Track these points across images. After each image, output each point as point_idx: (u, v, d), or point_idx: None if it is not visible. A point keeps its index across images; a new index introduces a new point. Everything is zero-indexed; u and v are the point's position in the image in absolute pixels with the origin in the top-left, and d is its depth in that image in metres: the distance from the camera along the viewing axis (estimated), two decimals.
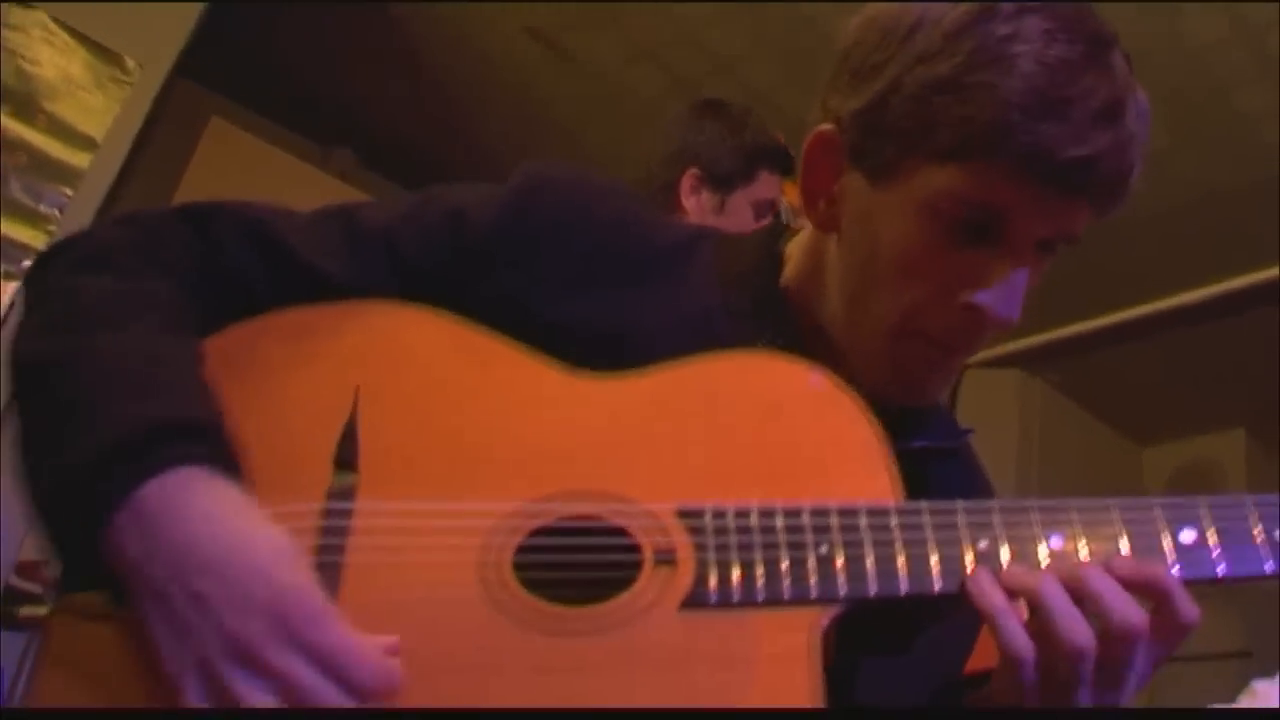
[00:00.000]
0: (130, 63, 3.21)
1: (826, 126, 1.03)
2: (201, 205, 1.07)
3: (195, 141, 4.03)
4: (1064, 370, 4.77)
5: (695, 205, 2.31)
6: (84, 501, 0.83)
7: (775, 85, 3.77)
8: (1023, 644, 0.84)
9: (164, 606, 0.80)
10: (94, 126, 3.08)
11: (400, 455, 0.93)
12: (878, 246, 0.99)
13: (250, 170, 4.02)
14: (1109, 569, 0.86)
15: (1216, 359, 4.53)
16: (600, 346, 0.99)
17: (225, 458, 0.86)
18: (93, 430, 0.84)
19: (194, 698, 0.78)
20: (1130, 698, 0.88)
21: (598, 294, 1.06)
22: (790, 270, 1.12)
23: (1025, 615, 0.87)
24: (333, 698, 0.78)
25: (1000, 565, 0.87)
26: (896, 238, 0.98)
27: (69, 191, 3.03)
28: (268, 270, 1.03)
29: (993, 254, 0.96)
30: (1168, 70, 3.37)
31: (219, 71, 4.03)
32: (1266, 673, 2.08)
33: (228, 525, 0.82)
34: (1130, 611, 0.83)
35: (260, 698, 0.77)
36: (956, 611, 0.92)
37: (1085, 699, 0.85)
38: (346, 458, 0.92)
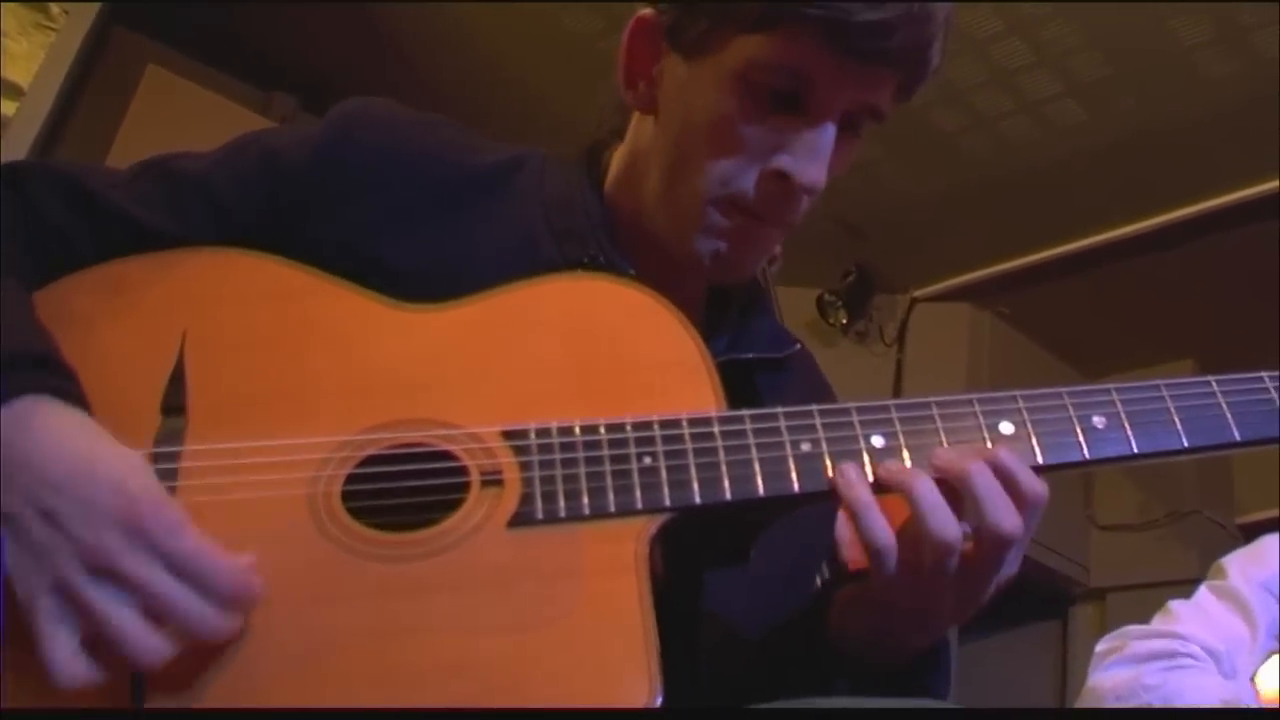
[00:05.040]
0: (55, 8, 3.17)
1: (646, 10, 1.08)
2: (15, 164, 1.06)
3: (132, 90, 3.97)
4: (1013, 303, 4.78)
5: None
6: None
7: None
8: (882, 536, 0.86)
9: (16, 531, 0.79)
10: (19, 73, 3.05)
11: (228, 396, 0.93)
12: (692, 117, 1.04)
13: (190, 118, 3.95)
14: (990, 463, 0.87)
15: (1165, 290, 4.54)
16: (427, 279, 1.00)
17: (71, 388, 0.86)
18: None
19: (48, 621, 0.77)
20: (990, 594, 0.90)
21: (420, 227, 1.07)
22: (612, 174, 1.15)
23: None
24: (194, 606, 0.78)
25: (824, 466, 0.89)
26: (708, 108, 1.02)
27: None
28: (88, 226, 1.03)
29: (799, 123, 1.01)
30: (1108, 5, 3.35)
31: (155, 18, 3.97)
32: None
33: (78, 444, 0.82)
34: (1005, 516, 0.86)
35: (119, 610, 0.77)
36: (790, 514, 0.94)
37: (950, 592, 0.88)
38: (174, 403, 0.91)
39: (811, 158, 1.01)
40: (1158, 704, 1.87)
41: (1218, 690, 1.88)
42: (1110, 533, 4.97)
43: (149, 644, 0.78)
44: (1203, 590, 2.10)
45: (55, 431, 0.82)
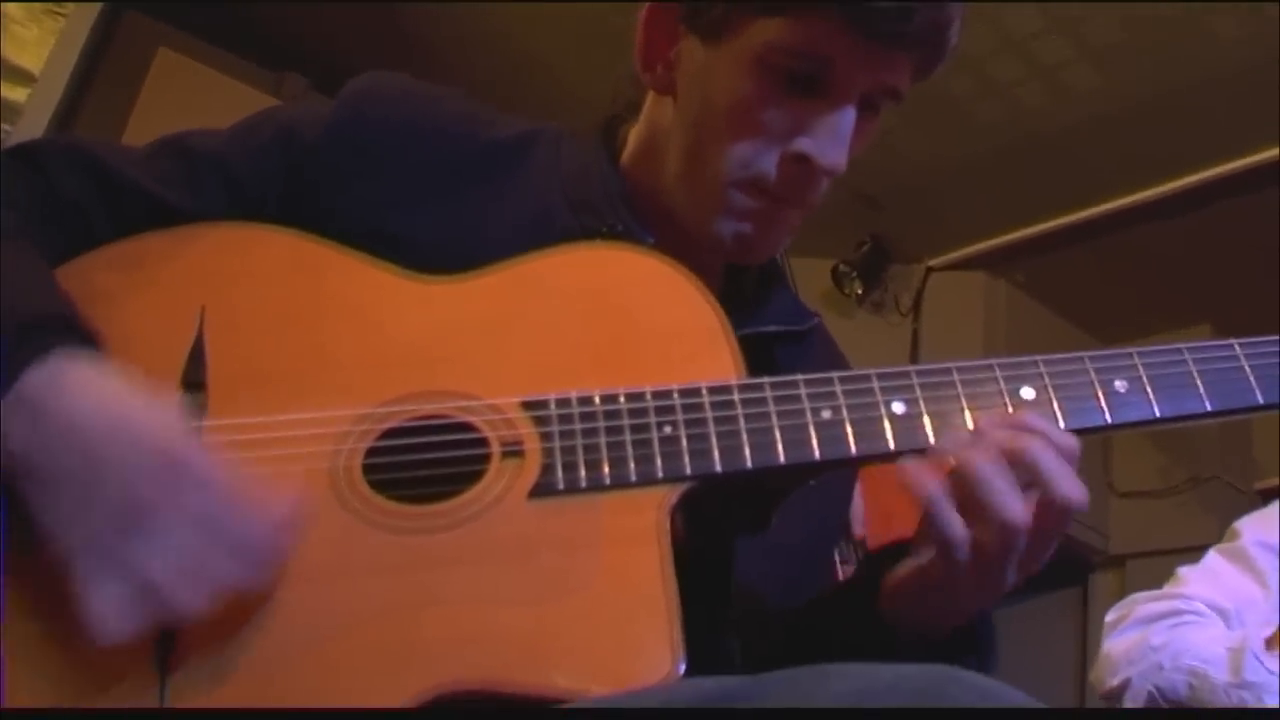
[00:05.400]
0: None
1: None
2: (33, 142, 1.06)
3: (144, 74, 3.98)
4: (1028, 271, 4.76)
5: None
6: None
7: None
8: (957, 530, 0.85)
9: (53, 491, 0.80)
10: (30, 60, 3.05)
11: (248, 371, 0.93)
12: (711, 100, 1.03)
13: (201, 99, 3.96)
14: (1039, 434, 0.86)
15: (1179, 255, 4.51)
16: (444, 253, 1.00)
17: (95, 347, 0.87)
18: None
19: (87, 578, 0.78)
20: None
21: (436, 201, 1.07)
22: (629, 150, 1.15)
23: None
24: (221, 565, 0.79)
25: (845, 433, 0.89)
26: (728, 90, 1.02)
27: (8, 127, 3.01)
28: (105, 201, 1.03)
29: (819, 105, 1.01)
30: None
31: (164, 1, 3.96)
32: None
33: (110, 402, 0.82)
34: (1073, 488, 0.85)
35: (153, 564, 0.78)
36: (810, 481, 0.94)
37: (1012, 569, 0.87)
38: (194, 378, 0.92)
39: (832, 140, 1.01)
40: (1166, 662, 1.90)
41: (1223, 640, 1.90)
42: (1129, 499, 4.96)
43: (183, 597, 0.79)
44: (1211, 554, 2.12)
45: (86, 391, 0.82)
